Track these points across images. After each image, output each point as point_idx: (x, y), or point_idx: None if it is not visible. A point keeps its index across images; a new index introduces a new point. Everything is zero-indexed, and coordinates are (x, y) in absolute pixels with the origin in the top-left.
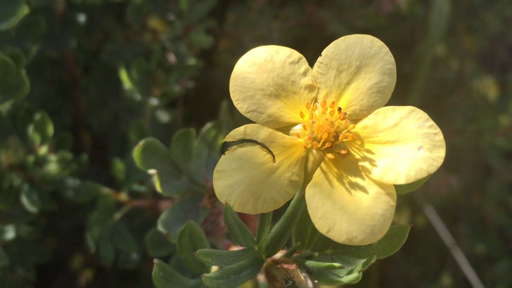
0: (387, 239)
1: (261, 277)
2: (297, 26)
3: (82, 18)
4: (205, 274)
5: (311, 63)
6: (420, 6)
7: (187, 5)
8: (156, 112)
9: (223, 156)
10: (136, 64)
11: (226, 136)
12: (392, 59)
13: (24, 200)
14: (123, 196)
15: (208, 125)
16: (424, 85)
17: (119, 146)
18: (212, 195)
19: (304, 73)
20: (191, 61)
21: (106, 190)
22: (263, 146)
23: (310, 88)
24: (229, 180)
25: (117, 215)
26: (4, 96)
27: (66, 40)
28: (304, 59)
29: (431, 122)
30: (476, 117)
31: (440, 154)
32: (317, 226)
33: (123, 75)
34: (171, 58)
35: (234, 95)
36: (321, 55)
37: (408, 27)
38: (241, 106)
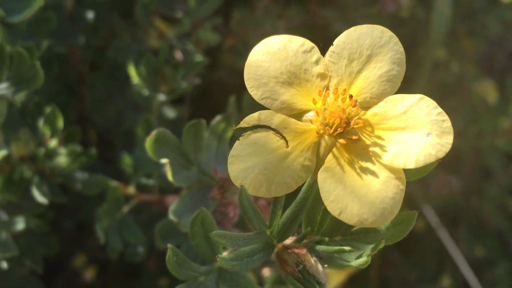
0: (395, 225)
1: (265, 271)
2: (300, 25)
3: (90, 15)
4: (220, 255)
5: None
6: (421, 9)
7: (195, 3)
8: (163, 109)
9: (237, 141)
10: (144, 60)
11: (241, 122)
12: (402, 49)
13: (35, 191)
14: (131, 190)
15: (218, 117)
16: (425, 88)
17: (124, 142)
18: (222, 186)
19: (316, 62)
20: (199, 58)
21: (114, 183)
22: (277, 131)
23: (322, 76)
24: (243, 165)
25: (125, 208)
26: (18, 87)
27: (75, 36)
28: (316, 48)
29: (440, 109)
30: (476, 119)
31: (448, 140)
32: (329, 208)
33: (132, 71)
34: (178, 55)
35: (248, 83)
36: (332, 45)
37: (409, 29)
38: (255, 93)
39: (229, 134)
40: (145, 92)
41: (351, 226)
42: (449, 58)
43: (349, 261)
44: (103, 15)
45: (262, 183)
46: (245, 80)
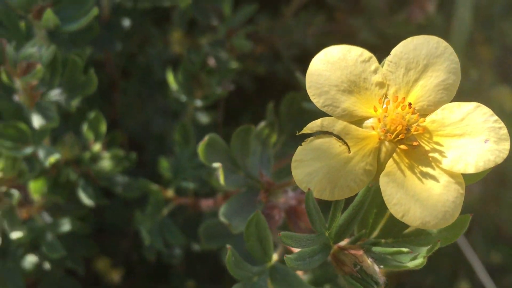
0: (448, 228)
1: (299, 273)
2: (327, 33)
3: (126, 22)
4: (287, 255)
5: None
6: (440, 16)
7: (230, 11)
8: (196, 114)
9: (300, 147)
10: (182, 67)
11: (304, 128)
12: (457, 59)
13: (81, 194)
14: (170, 193)
15: (262, 123)
16: None
17: (155, 146)
18: (267, 190)
19: (375, 71)
20: (234, 64)
21: (155, 187)
22: (339, 137)
23: (381, 85)
24: (308, 169)
25: (165, 211)
26: (71, 94)
27: (112, 43)
28: (374, 58)
29: (496, 117)
30: None
31: (505, 147)
32: (392, 211)
33: (170, 78)
34: (211, 62)
35: (310, 91)
36: (390, 54)
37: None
38: (317, 100)
39: (273, 139)
40: (183, 98)
41: (402, 229)
42: (467, 64)
43: (403, 263)
44: (137, 22)
45: (326, 187)
46: (307, 88)
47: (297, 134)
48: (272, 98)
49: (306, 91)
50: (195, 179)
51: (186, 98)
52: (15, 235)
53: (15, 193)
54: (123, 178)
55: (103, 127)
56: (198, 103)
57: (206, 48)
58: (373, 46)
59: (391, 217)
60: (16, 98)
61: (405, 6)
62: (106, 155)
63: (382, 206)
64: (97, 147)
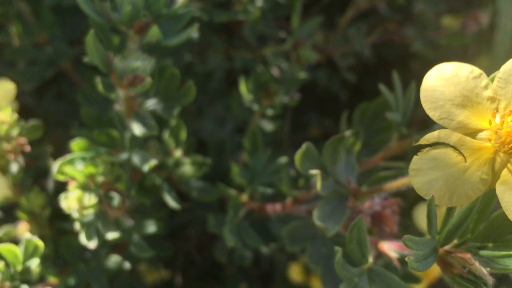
0: None
1: None
2: (379, 43)
3: (195, 34)
4: (410, 257)
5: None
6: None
7: (298, 23)
8: (261, 121)
9: (416, 156)
10: (253, 76)
11: (421, 139)
12: None
13: (167, 198)
14: (244, 198)
15: (348, 132)
16: None
17: (215, 153)
18: (354, 195)
19: (485, 87)
20: (302, 75)
21: (234, 192)
22: (455, 148)
23: (492, 99)
24: (426, 177)
25: (241, 214)
26: (168, 103)
27: (181, 54)
28: (484, 75)
29: None
30: None
31: None
32: (510, 217)
33: (243, 87)
34: (275, 72)
35: (425, 105)
36: (499, 71)
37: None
38: (433, 114)
39: (357, 148)
40: (255, 107)
41: (502, 234)
42: None
43: (508, 266)
44: (202, 32)
45: (444, 194)
46: (422, 103)
47: (414, 144)
48: (311, 105)
49: (380, 101)
50: (268, 185)
51: (258, 107)
52: (111, 235)
53: (116, 196)
54: (198, 182)
55: (184, 135)
56: (269, 112)
57: (271, 58)
58: (426, 56)
59: (490, 222)
60: (117, 107)
61: (457, 17)
62: (186, 160)
63: (482, 213)
64: (178, 153)
